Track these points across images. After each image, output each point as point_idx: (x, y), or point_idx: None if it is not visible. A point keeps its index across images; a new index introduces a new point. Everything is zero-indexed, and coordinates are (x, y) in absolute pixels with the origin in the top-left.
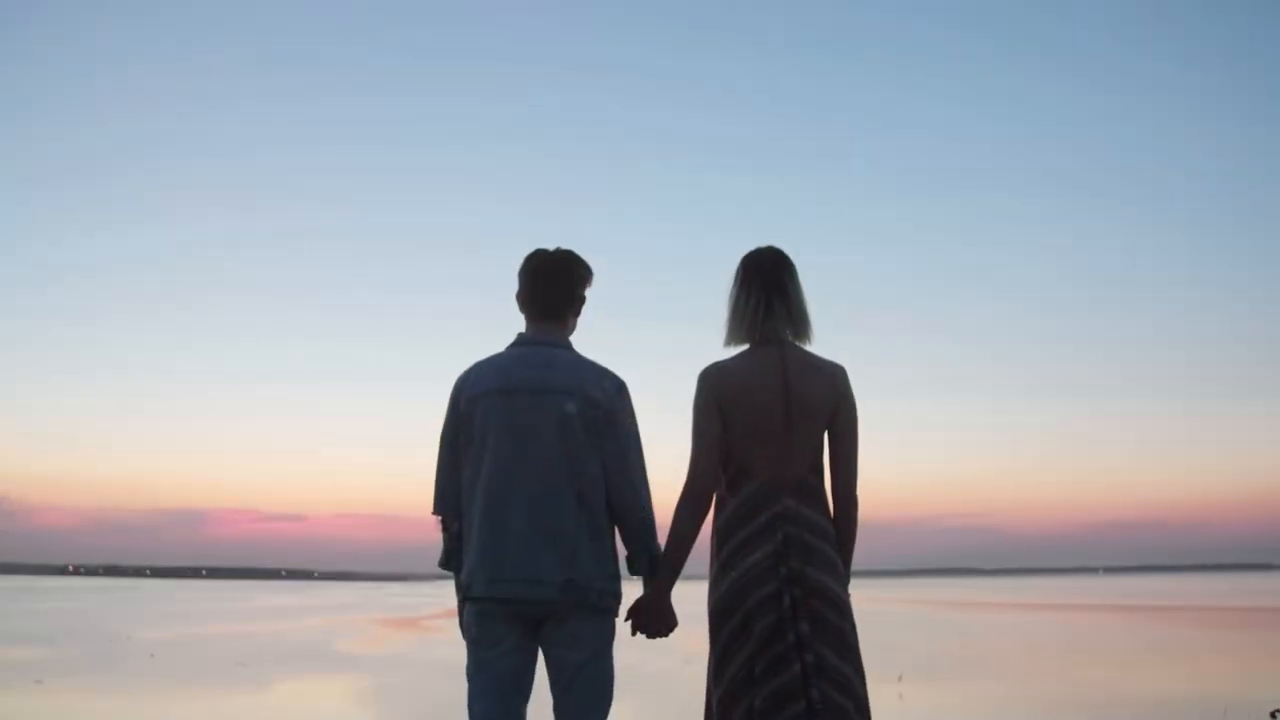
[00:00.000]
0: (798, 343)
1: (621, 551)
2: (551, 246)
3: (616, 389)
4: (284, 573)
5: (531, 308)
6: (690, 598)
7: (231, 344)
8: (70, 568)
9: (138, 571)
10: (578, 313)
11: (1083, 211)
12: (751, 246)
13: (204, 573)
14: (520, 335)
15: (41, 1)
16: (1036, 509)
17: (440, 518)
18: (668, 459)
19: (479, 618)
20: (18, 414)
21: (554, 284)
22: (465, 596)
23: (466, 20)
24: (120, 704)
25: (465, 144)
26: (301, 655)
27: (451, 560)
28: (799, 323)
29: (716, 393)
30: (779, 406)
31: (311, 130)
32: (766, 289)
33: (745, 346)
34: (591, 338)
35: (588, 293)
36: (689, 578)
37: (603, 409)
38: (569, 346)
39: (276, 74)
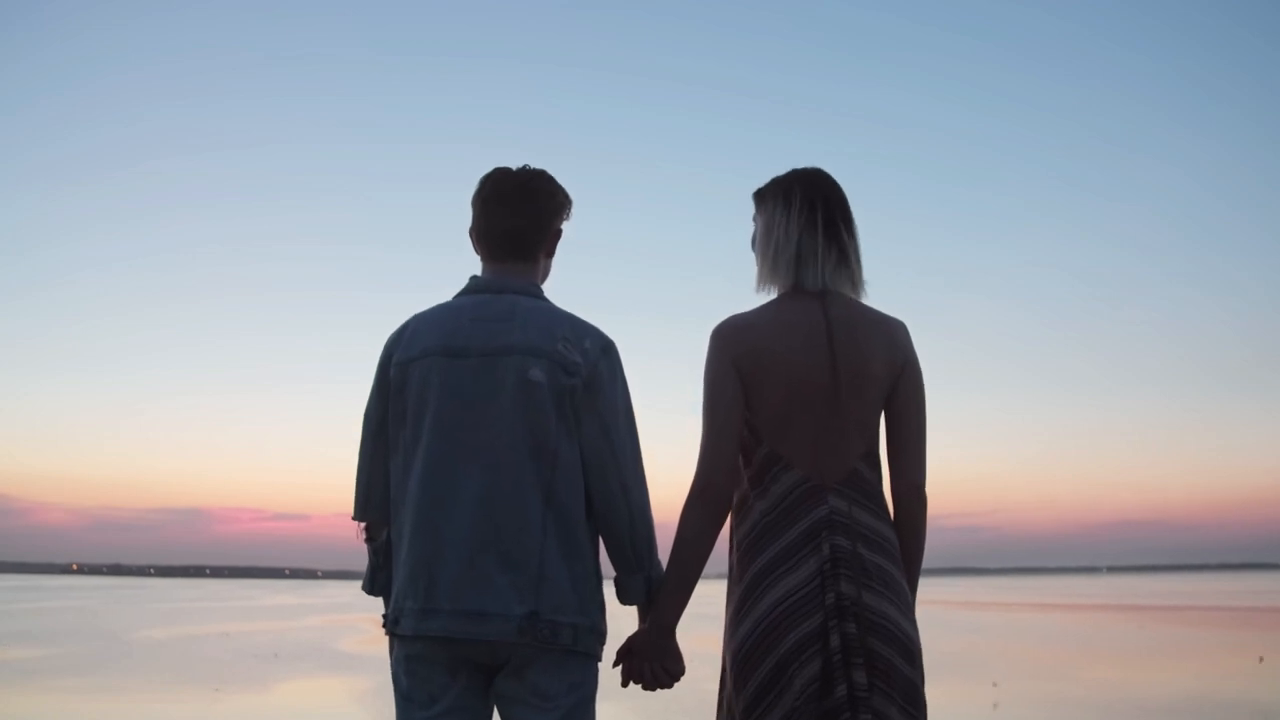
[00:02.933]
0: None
1: (608, 573)
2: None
3: (602, 349)
4: (287, 571)
5: (489, 242)
6: (699, 596)
7: (235, 342)
8: (74, 566)
9: (141, 570)
10: (551, 252)
11: (1083, 211)
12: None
13: (208, 571)
14: (473, 279)
15: (41, 1)
16: (1039, 508)
17: (362, 525)
18: (670, 459)
19: (409, 665)
20: (21, 413)
21: (519, 210)
22: (391, 634)
23: (467, 20)
24: (121, 704)
25: (471, 144)
26: (304, 655)
27: (378, 581)
28: (858, 273)
29: (736, 354)
30: (822, 373)
31: (314, 130)
32: (830, 213)
33: (775, 295)
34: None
35: (566, 228)
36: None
37: (581, 376)
38: (539, 294)
39: (277, 74)
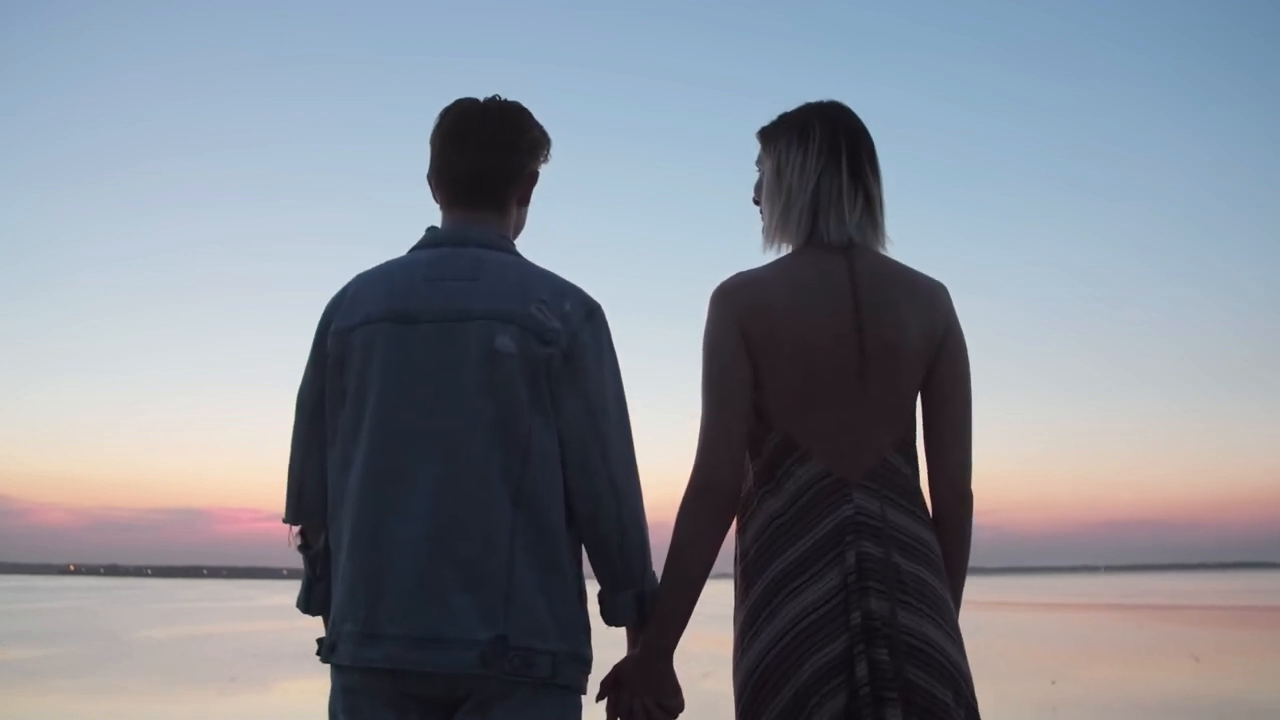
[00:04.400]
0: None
1: (592, 588)
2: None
3: (586, 313)
4: (285, 572)
5: (450, 186)
6: (706, 596)
7: (235, 342)
8: (71, 567)
9: (139, 571)
10: (525, 199)
11: (1083, 211)
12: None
13: (205, 572)
14: (430, 230)
15: (41, 1)
16: (1038, 508)
17: (296, 529)
18: (670, 459)
19: (347, 701)
20: (21, 413)
21: (487, 147)
22: (327, 662)
23: (467, 21)
24: (121, 704)
25: None
26: (302, 654)
27: (314, 598)
28: (881, 223)
29: (743, 317)
30: (847, 342)
31: (314, 130)
32: (855, 151)
33: (787, 251)
34: None
35: (544, 171)
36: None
37: (560, 345)
38: (510, 248)
39: (277, 74)
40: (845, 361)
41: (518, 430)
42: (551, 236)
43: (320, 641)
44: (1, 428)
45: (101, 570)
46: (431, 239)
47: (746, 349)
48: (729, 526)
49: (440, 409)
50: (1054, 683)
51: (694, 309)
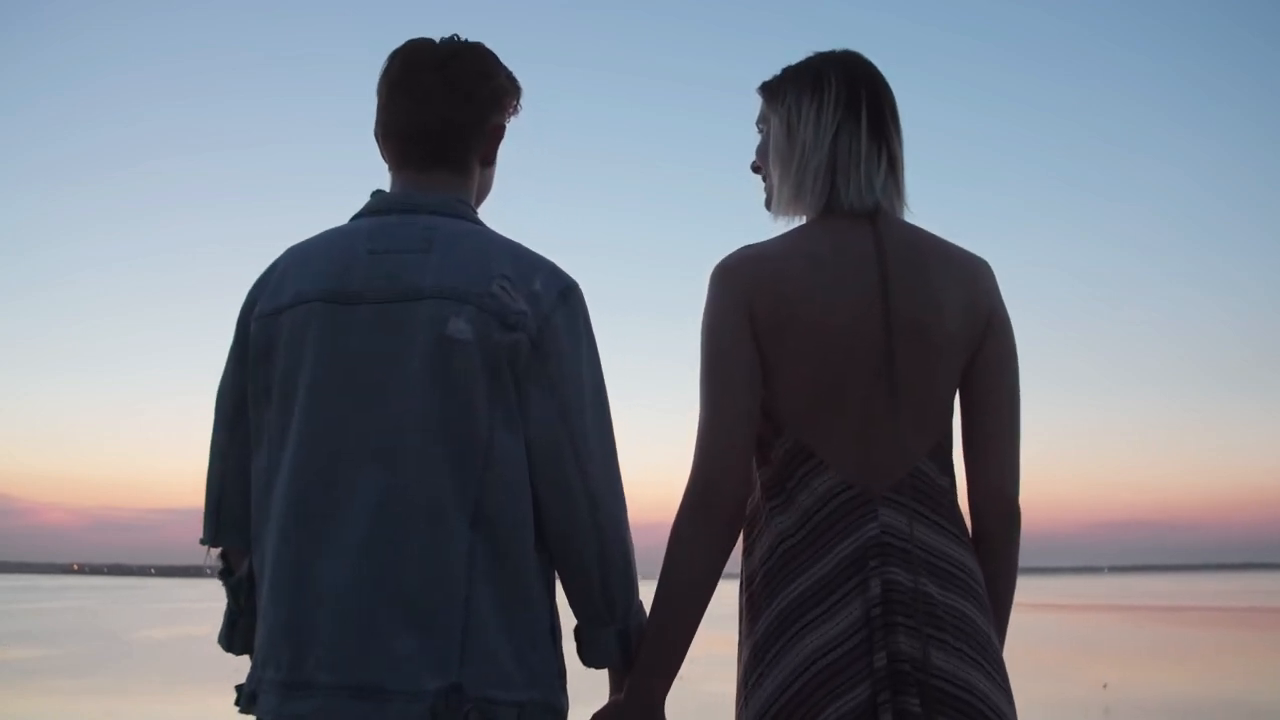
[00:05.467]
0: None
1: (567, 623)
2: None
3: (559, 293)
4: None
5: (399, 142)
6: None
7: None
8: (75, 566)
9: (142, 570)
10: (490, 158)
11: (1083, 211)
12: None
13: (208, 571)
14: (375, 195)
15: (42, 1)
16: (1038, 508)
17: (215, 553)
18: (671, 459)
19: None
20: (21, 413)
21: (443, 96)
22: (247, 714)
23: (467, 21)
24: (122, 704)
25: None
26: None
27: (238, 635)
28: (902, 185)
29: (751, 296)
30: (873, 327)
31: (314, 130)
32: (877, 104)
33: (800, 221)
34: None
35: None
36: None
37: (528, 331)
38: (470, 216)
39: (277, 74)
40: (870, 349)
41: (476, 434)
42: (551, 236)
43: (239, 689)
44: (1, 428)
45: (105, 570)
46: (376, 204)
47: (753, 335)
48: (731, 548)
49: (382, 408)
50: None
51: (694, 309)
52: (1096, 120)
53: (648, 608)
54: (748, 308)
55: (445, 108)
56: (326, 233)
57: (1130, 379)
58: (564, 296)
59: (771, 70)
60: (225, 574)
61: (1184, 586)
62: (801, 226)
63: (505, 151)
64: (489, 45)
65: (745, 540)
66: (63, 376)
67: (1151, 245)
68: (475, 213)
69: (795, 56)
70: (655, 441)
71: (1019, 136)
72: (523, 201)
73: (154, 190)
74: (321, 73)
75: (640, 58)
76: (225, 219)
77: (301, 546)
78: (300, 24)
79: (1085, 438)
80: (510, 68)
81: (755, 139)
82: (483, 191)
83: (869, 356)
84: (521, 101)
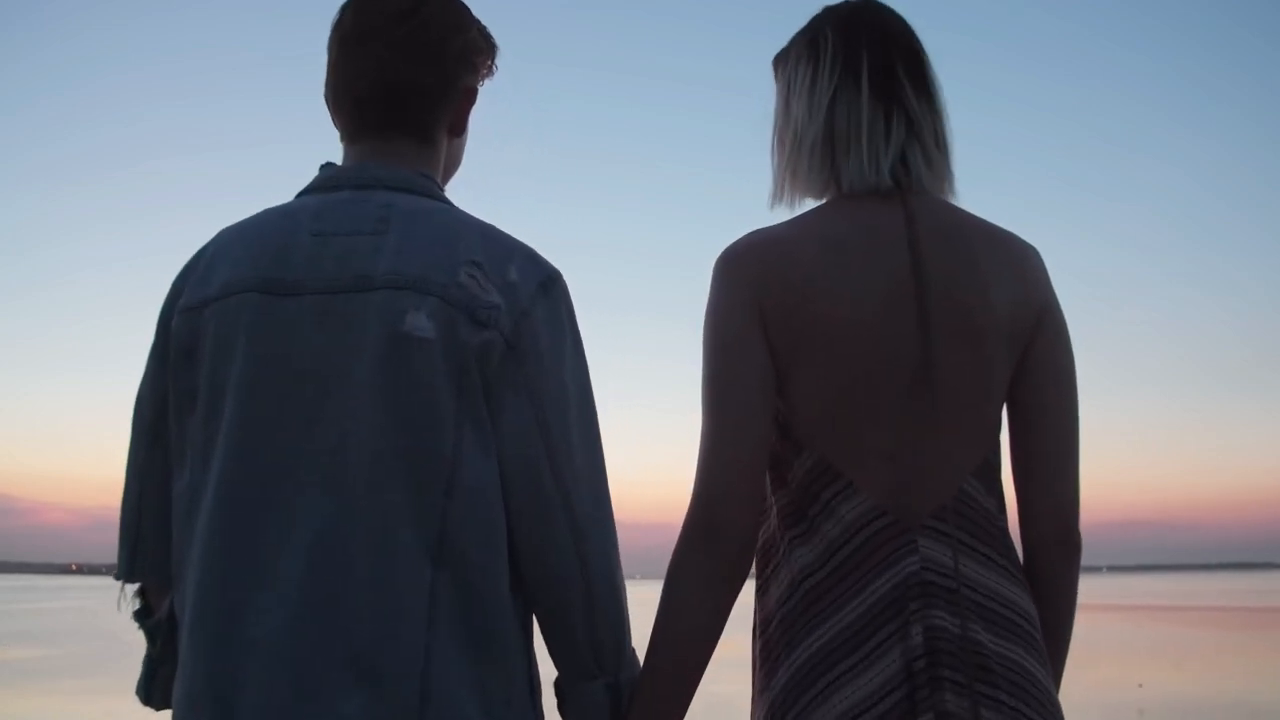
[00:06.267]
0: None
1: (547, 674)
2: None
3: (540, 283)
4: None
5: (355, 107)
6: None
7: None
8: (74, 566)
9: None
10: (460, 127)
11: (1083, 211)
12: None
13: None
14: (325, 169)
15: (42, 2)
16: None
17: (132, 591)
18: (671, 459)
19: None
20: (21, 413)
21: (404, 52)
22: None
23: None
24: (122, 704)
25: (471, 143)
26: None
27: (157, 685)
28: (946, 161)
29: (758, 290)
30: (906, 326)
31: (314, 130)
32: (885, 58)
33: (816, 203)
34: (591, 337)
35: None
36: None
37: (501, 329)
38: (435, 193)
39: (277, 74)
40: (905, 348)
41: (439, 452)
42: (551, 236)
43: None
44: (1, 428)
45: (104, 569)
46: (324, 179)
47: (764, 333)
48: (740, 587)
49: (326, 420)
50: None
51: (694, 309)
52: (1096, 120)
53: (641, 655)
54: (757, 301)
55: (409, 66)
56: (264, 212)
57: (1130, 379)
58: (545, 287)
59: (770, 74)
60: (142, 615)
61: (1184, 586)
62: (819, 206)
63: (506, 151)
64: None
65: (759, 577)
66: (63, 376)
67: (1151, 245)
68: (442, 190)
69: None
70: (655, 441)
71: (1019, 136)
72: (523, 201)
73: (154, 190)
74: (321, 73)
75: (640, 58)
76: (225, 219)
77: (228, 584)
78: (300, 24)
79: (1085, 437)
80: (510, 68)
81: (753, 140)
82: (451, 166)
83: (904, 356)
84: (498, 62)
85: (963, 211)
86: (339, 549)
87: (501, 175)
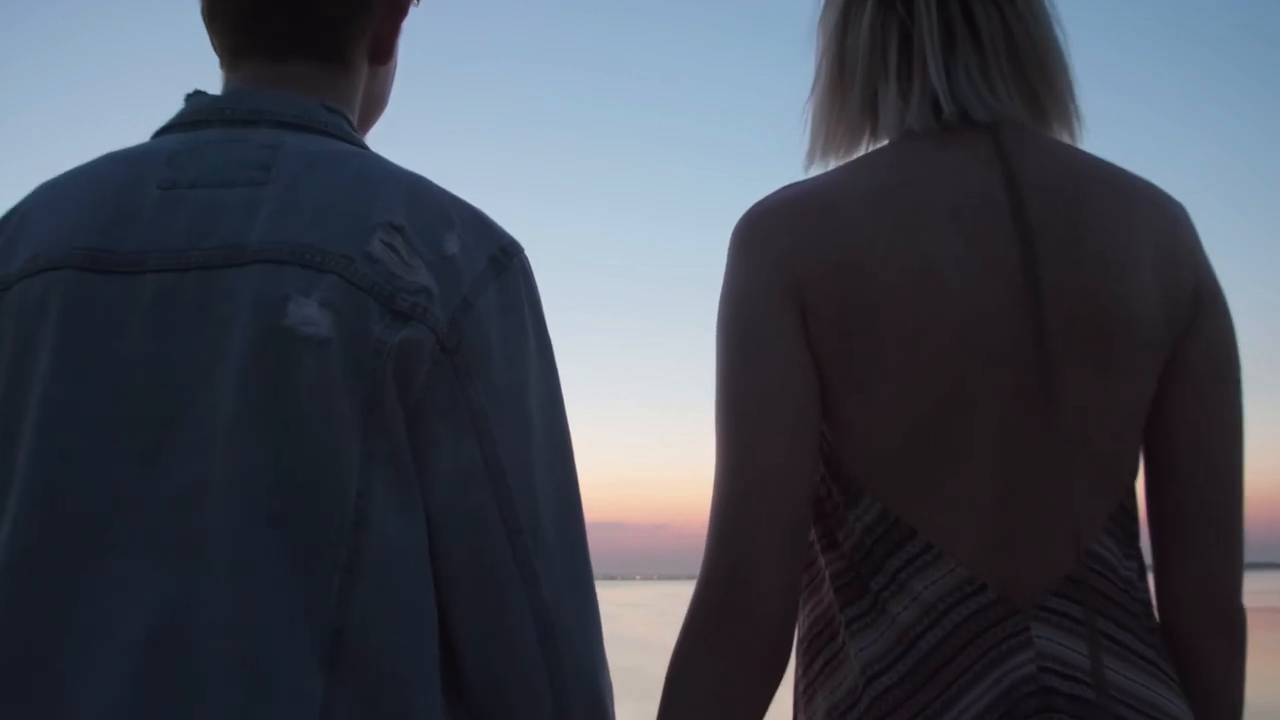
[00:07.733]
0: (1040, 129)
1: None
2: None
3: (492, 259)
4: None
5: (240, 18)
6: None
7: None
8: None
9: None
10: (386, 49)
11: None
12: None
13: None
14: (191, 98)
15: (43, 3)
16: None
17: None
18: (670, 459)
19: None
20: None
21: None
22: None
23: (467, 21)
24: None
25: (471, 144)
26: None
27: None
28: (1045, 86)
29: (794, 270)
30: (1009, 315)
31: None
32: None
33: (870, 148)
34: (590, 337)
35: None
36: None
37: (433, 324)
38: (345, 134)
39: None
40: (1008, 352)
41: (337, 506)
42: (551, 236)
43: None
44: None
45: None
46: (186, 113)
47: (801, 328)
48: (772, 695)
49: (171, 459)
50: None
51: (694, 309)
52: (1096, 120)
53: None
54: (792, 283)
55: None
56: (102, 158)
57: None
58: (498, 264)
59: (770, 72)
60: None
61: None
62: (876, 150)
63: (505, 151)
64: (488, 45)
65: (804, 675)
66: None
67: None
68: (353, 129)
69: (796, 56)
70: (655, 441)
71: None
72: (524, 201)
73: None
74: None
75: (640, 58)
76: None
77: (14, 705)
78: None
79: None
80: (510, 68)
81: (754, 139)
82: (373, 104)
83: (1007, 364)
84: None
85: (1078, 152)
86: (183, 651)
87: (501, 175)
